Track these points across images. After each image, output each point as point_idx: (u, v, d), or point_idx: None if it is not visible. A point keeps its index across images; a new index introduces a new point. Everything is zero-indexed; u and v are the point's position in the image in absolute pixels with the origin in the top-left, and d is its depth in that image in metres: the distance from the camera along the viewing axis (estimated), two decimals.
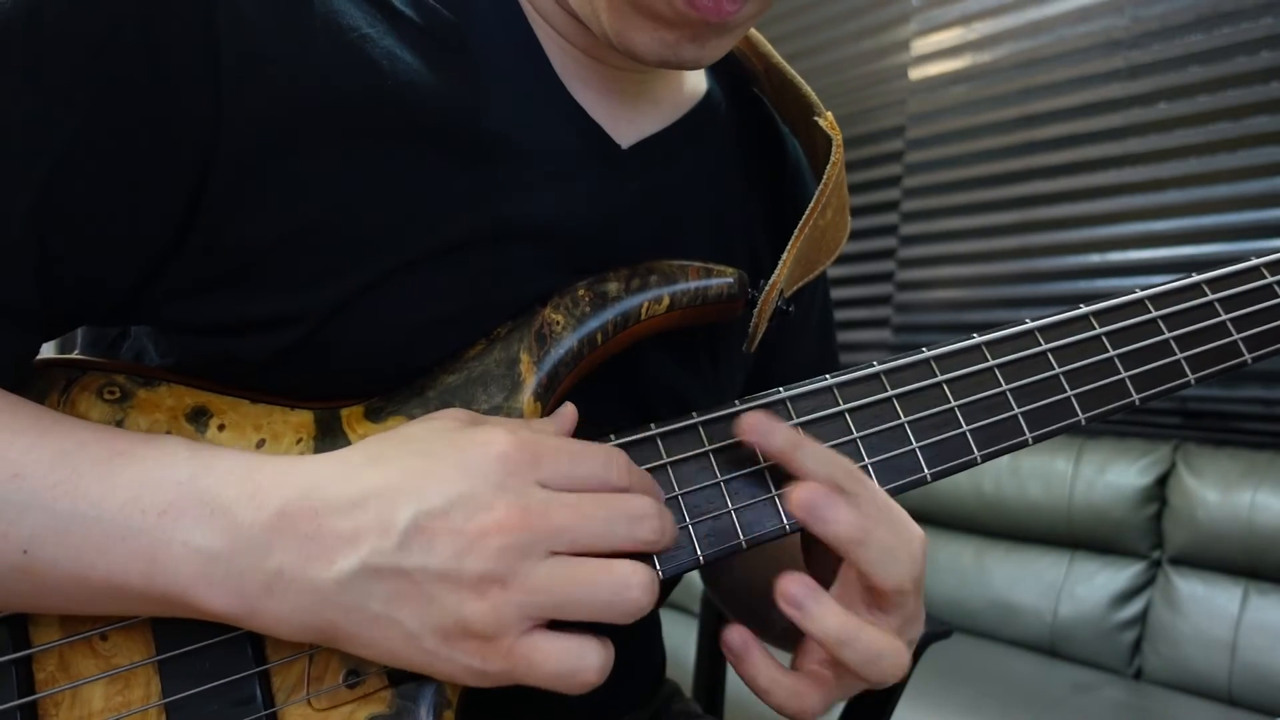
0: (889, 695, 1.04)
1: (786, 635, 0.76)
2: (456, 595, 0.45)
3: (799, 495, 0.51)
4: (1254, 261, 0.66)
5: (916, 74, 2.98)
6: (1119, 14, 2.48)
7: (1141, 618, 2.28)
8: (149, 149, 0.49)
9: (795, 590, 0.50)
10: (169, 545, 0.45)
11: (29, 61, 0.47)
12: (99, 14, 0.47)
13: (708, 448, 0.56)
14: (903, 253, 3.01)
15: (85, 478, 0.46)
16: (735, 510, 0.55)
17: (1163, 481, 2.29)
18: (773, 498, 0.56)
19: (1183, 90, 2.37)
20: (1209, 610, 2.15)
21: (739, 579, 0.82)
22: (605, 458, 0.50)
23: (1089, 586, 2.34)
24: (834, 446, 0.56)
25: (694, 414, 0.57)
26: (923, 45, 2.96)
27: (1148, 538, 2.30)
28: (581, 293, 0.57)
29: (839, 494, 0.51)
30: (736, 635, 0.52)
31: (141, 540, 0.45)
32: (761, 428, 0.53)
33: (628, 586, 0.46)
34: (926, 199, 2.95)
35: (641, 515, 0.49)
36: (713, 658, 1.29)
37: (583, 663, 0.46)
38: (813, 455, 0.52)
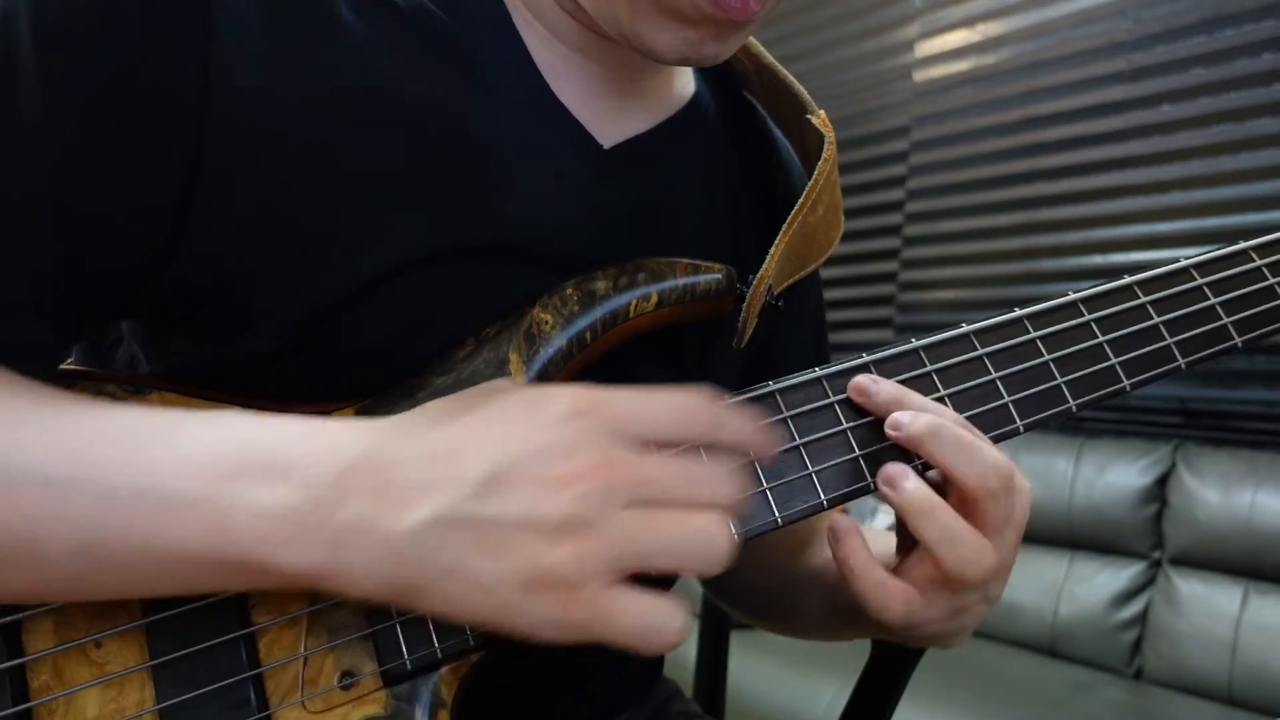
0: (889, 694, 1.04)
1: (810, 621, 0.79)
2: (536, 543, 0.43)
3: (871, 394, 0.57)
4: (1242, 245, 0.65)
5: (921, 76, 2.98)
6: (1122, 17, 2.48)
7: (1142, 618, 2.28)
8: (145, 138, 0.50)
9: (892, 468, 0.54)
10: (234, 509, 0.45)
11: (38, 59, 0.47)
12: (98, 8, 0.48)
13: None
14: (906, 253, 3.01)
15: (145, 450, 0.46)
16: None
17: (1163, 481, 2.29)
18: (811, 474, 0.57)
19: (1185, 92, 2.37)
20: (1209, 610, 2.15)
21: (747, 582, 0.83)
22: (680, 403, 0.49)
23: (1089, 586, 2.34)
24: (824, 438, 0.57)
25: None
26: (927, 47, 2.96)
27: (1148, 538, 2.30)
28: (570, 291, 0.57)
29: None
30: (844, 520, 0.56)
31: (206, 506, 0.45)
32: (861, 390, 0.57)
33: (710, 533, 0.45)
34: (930, 200, 2.95)
35: (718, 477, 0.48)
36: (713, 658, 1.28)
37: (667, 621, 0.45)
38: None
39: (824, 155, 0.64)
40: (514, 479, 0.44)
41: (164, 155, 0.50)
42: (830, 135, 0.65)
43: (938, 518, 0.53)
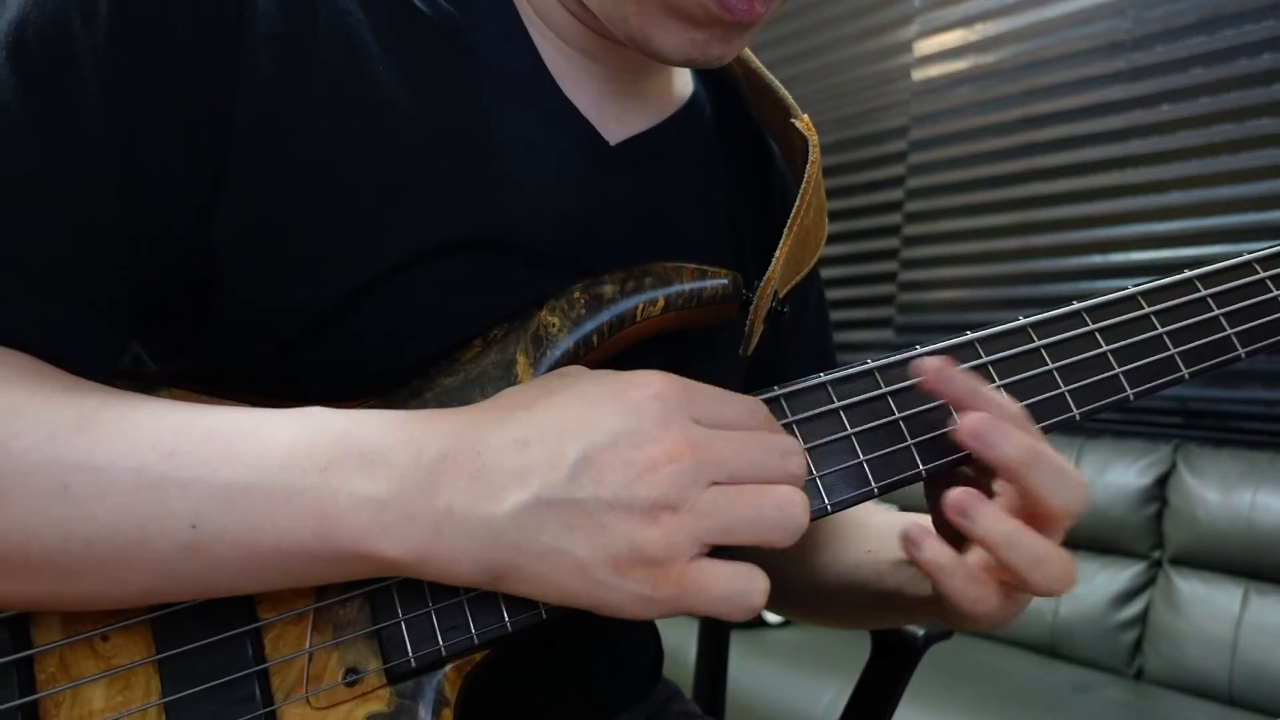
0: (889, 694, 1.04)
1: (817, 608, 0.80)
2: (628, 523, 0.46)
3: (968, 423, 0.53)
4: (1246, 257, 0.66)
5: (919, 75, 2.98)
6: (1121, 16, 2.48)
7: (1142, 618, 2.28)
8: (185, 126, 0.51)
9: (962, 498, 0.53)
10: (336, 498, 0.45)
11: (91, 47, 0.48)
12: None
13: None
14: (906, 253, 3.02)
15: (238, 447, 0.46)
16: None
17: (1163, 481, 2.29)
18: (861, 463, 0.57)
19: (1185, 92, 2.37)
20: (1209, 610, 2.15)
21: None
22: (749, 403, 0.52)
23: (1089, 586, 2.34)
24: (828, 443, 0.57)
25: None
26: (925, 47, 2.97)
27: (1148, 538, 2.30)
28: (577, 295, 0.58)
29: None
30: (916, 526, 0.55)
31: (308, 498, 0.45)
32: (940, 373, 0.55)
33: (790, 504, 0.48)
34: (930, 200, 2.95)
35: (791, 450, 0.50)
36: (713, 658, 1.29)
37: (751, 585, 0.47)
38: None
39: (810, 159, 0.65)
40: (605, 462, 0.46)
41: (199, 142, 0.51)
42: (814, 139, 0.65)
43: (1025, 546, 0.52)
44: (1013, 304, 2.73)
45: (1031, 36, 2.68)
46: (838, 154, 3.23)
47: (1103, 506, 2.33)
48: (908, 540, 0.55)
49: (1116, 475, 2.33)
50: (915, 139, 3.00)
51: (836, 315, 3.21)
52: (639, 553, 0.46)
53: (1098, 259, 2.52)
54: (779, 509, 0.48)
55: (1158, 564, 2.30)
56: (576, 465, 0.46)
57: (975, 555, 0.56)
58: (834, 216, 3.21)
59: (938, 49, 2.93)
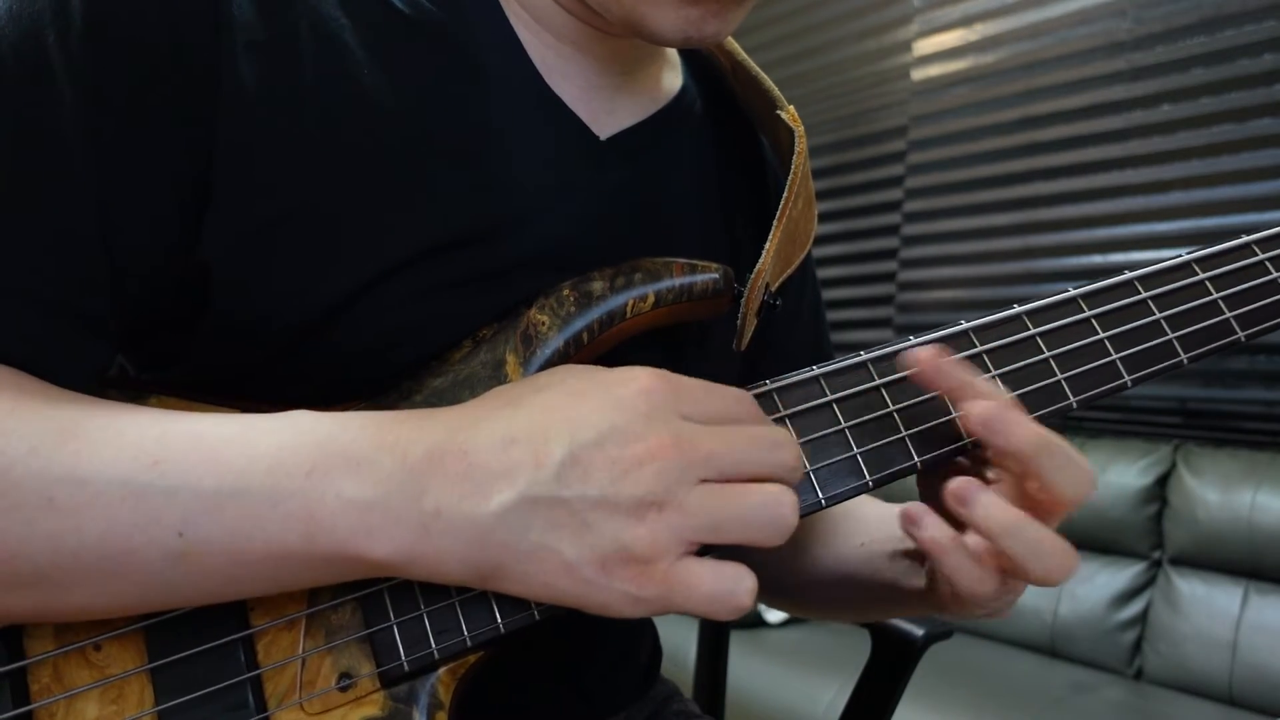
0: (889, 694, 1.04)
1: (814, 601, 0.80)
2: (614, 521, 0.45)
3: (978, 411, 0.53)
4: (1244, 239, 0.64)
5: (919, 75, 2.98)
6: (1122, 16, 2.48)
7: (1142, 618, 2.28)
8: (166, 134, 0.51)
9: (963, 486, 0.52)
10: (322, 501, 0.46)
11: (66, 58, 0.48)
12: (122, 10, 0.49)
13: None
14: (905, 253, 3.01)
15: (223, 454, 0.46)
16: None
17: (1163, 481, 2.29)
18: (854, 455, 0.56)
19: (1185, 92, 2.37)
20: (1209, 610, 2.15)
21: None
22: (737, 395, 0.52)
23: (1089, 586, 2.34)
24: (822, 437, 0.56)
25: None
26: (925, 46, 2.96)
27: (1148, 538, 2.30)
28: (566, 292, 0.57)
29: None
30: (917, 505, 0.55)
31: (294, 502, 0.46)
32: (932, 363, 0.54)
33: (779, 504, 0.48)
34: (929, 200, 2.95)
35: (782, 442, 0.50)
36: (712, 657, 1.29)
37: (738, 585, 0.47)
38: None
39: (796, 150, 0.65)
40: (591, 460, 0.46)
41: (182, 153, 0.51)
42: (800, 130, 0.65)
43: (1025, 535, 0.52)
44: (1013, 304, 2.71)
45: (1031, 36, 2.68)
46: (837, 153, 3.23)
47: (1103, 506, 2.33)
48: (907, 518, 0.54)
49: (1116, 475, 2.33)
50: (914, 139, 2.99)
51: (836, 315, 3.21)
52: (625, 551, 0.45)
53: (1098, 259, 2.52)
54: (767, 507, 0.47)
55: (1158, 564, 2.30)
56: (562, 463, 0.46)
57: (973, 537, 0.55)
58: (833, 216, 3.21)
59: (937, 49, 2.93)
